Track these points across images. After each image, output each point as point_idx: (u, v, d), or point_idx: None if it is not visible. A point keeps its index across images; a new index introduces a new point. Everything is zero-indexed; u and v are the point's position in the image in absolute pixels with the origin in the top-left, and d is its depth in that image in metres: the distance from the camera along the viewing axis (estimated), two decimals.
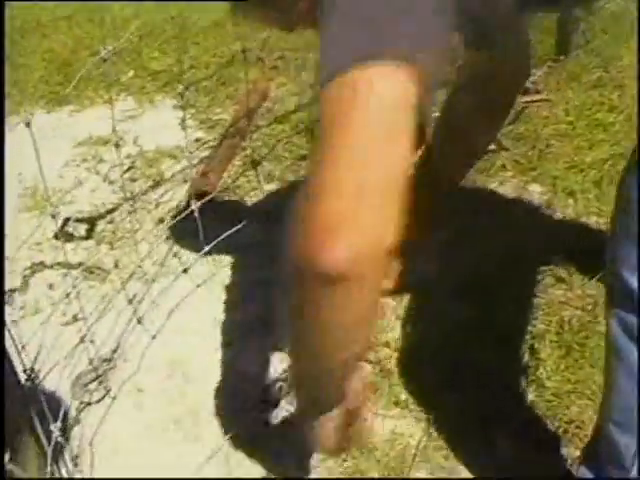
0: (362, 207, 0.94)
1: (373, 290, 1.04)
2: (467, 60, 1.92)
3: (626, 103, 2.69)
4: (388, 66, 0.93)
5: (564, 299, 2.02)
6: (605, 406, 1.35)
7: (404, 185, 0.96)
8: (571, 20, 2.70)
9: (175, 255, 2.23)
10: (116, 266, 2.20)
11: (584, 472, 1.41)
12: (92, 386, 1.86)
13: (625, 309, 1.22)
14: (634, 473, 1.28)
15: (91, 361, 1.88)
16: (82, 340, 1.83)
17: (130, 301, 2.07)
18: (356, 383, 1.33)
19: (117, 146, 2.02)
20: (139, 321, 2.01)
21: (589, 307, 1.99)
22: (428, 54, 0.97)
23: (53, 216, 1.74)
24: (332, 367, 1.20)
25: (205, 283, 2.14)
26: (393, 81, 0.94)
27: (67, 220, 2.35)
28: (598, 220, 2.22)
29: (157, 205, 2.40)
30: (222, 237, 2.14)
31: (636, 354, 1.22)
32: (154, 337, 1.99)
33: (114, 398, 1.86)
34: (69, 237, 2.32)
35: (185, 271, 2.15)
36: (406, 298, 2.04)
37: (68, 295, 1.90)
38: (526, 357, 1.88)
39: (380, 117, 0.95)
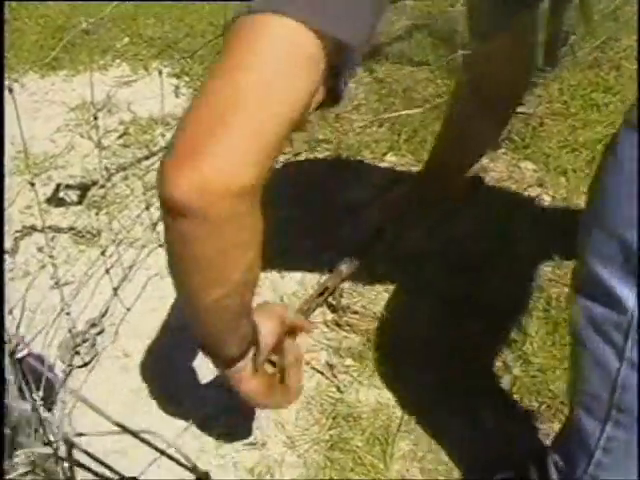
0: (222, 139, 0.91)
1: (235, 228, 1.02)
2: (469, 59, 1.93)
3: (622, 84, 2.68)
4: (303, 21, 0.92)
5: (552, 276, 2.02)
6: (572, 390, 1.35)
7: (284, 136, 0.95)
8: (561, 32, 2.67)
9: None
10: (106, 231, 2.19)
11: (555, 457, 1.42)
12: (79, 350, 1.86)
13: (591, 299, 1.19)
14: (599, 457, 1.28)
15: (74, 327, 1.88)
16: (64, 307, 1.82)
17: (122, 266, 2.07)
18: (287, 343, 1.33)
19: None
20: (115, 292, 2.01)
21: None
22: (350, 29, 0.96)
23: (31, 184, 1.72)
24: (210, 307, 1.17)
25: None
26: (301, 34, 0.92)
27: (59, 186, 2.34)
28: None
29: (148, 170, 2.39)
30: None
31: (602, 345, 1.19)
32: (138, 302, 2.00)
33: (96, 355, 1.86)
34: (61, 202, 2.31)
35: None
36: (395, 272, 2.05)
37: (53, 257, 1.89)
38: (513, 333, 1.89)
39: (278, 60, 0.93)
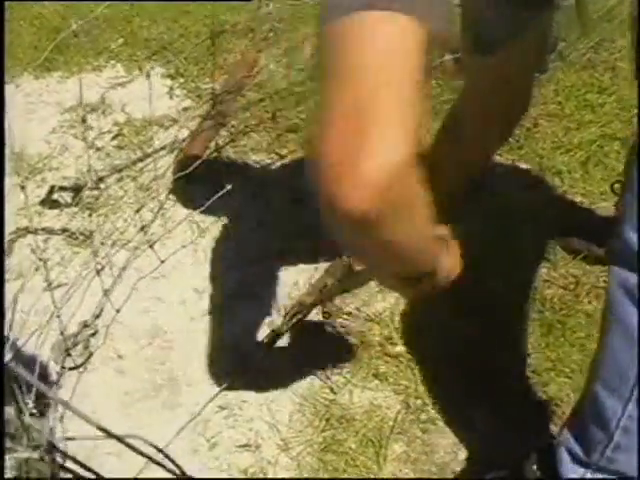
0: (372, 138, 0.89)
1: (412, 202, 0.99)
2: (471, 68, 1.90)
3: (617, 84, 2.68)
4: (395, 14, 0.91)
5: (547, 277, 2.02)
6: (595, 365, 1.35)
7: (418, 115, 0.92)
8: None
9: (159, 222, 2.22)
10: (100, 232, 2.19)
11: (566, 435, 1.41)
12: (73, 351, 1.86)
13: (626, 267, 1.21)
14: (617, 439, 1.29)
15: (65, 329, 1.88)
16: (55, 309, 1.82)
17: (114, 268, 2.07)
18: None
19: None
20: (105, 294, 2.01)
21: (571, 286, 2.00)
22: (432, 16, 0.95)
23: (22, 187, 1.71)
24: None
25: (188, 250, 2.14)
26: (400, 25, 0.91)
27: (53, 187, 2.34)
28: (583, 200, 2.22)
29: (142, 172, 2.39)
30: (206, 205, 2.14)
31: (635, 316, 1.21)
32: (130, 303, 2.00)
33: (90, 357, 1.86)
34: (54, 204, 2.31)
35: (167, 238, 2.16)
36: None
37: (45, 261, 1.89)
38: (507, 334, 1.89)
39: (398, 55, 0.92)
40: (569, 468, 1.39)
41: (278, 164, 2.27)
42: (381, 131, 0.89)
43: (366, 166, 0.88)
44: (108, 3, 2.78)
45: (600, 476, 1.35)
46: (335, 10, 0.93)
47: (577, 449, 1.38)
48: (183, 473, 0.76)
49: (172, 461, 0.77)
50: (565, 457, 1.40)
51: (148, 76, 1.89)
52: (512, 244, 2.10)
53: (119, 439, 0.76)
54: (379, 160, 0.88)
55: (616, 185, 2.02)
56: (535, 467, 1.48)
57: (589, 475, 1.36)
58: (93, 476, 0.86)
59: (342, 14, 0.92)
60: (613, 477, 1.34)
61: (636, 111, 1.40)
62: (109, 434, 0.74)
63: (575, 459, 1.38)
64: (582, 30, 2.55)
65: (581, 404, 1.41)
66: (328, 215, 0.95)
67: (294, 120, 2.54)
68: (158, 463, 0.81)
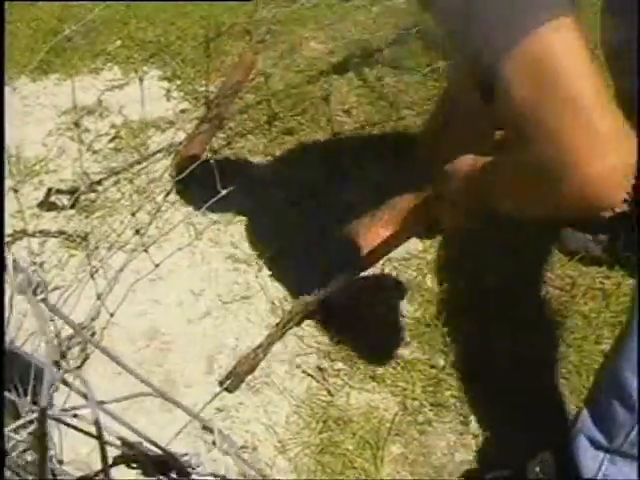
0: (606, 135, 1.05)
1: None
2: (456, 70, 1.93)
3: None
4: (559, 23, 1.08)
5: (543, 279, 2.03)
6: (620, 344, 1.37)
7: None
8: None
9: (156, 225, 2.23)
10: (97, 234, 2.19)
11: (585, 423, 1.42)
12: (69, 354, 1.86)
13: None
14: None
15: (59, 332, 1.87)
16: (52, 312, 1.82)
17: (111, 270, 2.07)
18: None
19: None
20: (98, 297, 2.01)
21: (568, 287, 2.00)
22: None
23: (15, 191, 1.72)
24: None
25: (185, 253, 2.14)
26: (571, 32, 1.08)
27: (50, 190, 2.34)
28: None
29: (139, 174, 2.39)
30: (203, 207, 2.14)
31: None
32: (128, 305, 1.99)
33: (85, 360, 1.86)
34: (52, 207, 2.31)
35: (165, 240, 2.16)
36: (383, 275, 2.05)
37: (42, 264, 1.88)
38: (502, 336, 1.89)
39: (577, 59, 1.08)
40: (589, 455, 1.39)
41: (275, 166, 2.26)
42: (614, 131, 1.05)
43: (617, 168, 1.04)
44: (105, 5, 2.79)
45: (621, 460, 1.35)
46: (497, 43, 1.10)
47: (598, 435, 1.39)
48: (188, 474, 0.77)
49: (176, 461, 0.77)
50: (584, 444, 1.41)
51: (141, 80, 1.89)
52: (509, 243, 2.11)
53: (107, 444, 0.76)
54: (623, 153, 1.06)
55: None
56: (538, 469, 1.48)
57: (608, 461, 1.37)
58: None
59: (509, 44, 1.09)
60: (634, 461, 1.35)
61: None
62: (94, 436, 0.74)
63: (596, 445, 1.39)
64: None
65: (600, 389, 1.42)
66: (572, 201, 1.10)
67: (291, 123, 2.54)
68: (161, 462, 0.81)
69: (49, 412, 0.86)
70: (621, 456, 1.35)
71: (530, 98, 1.09)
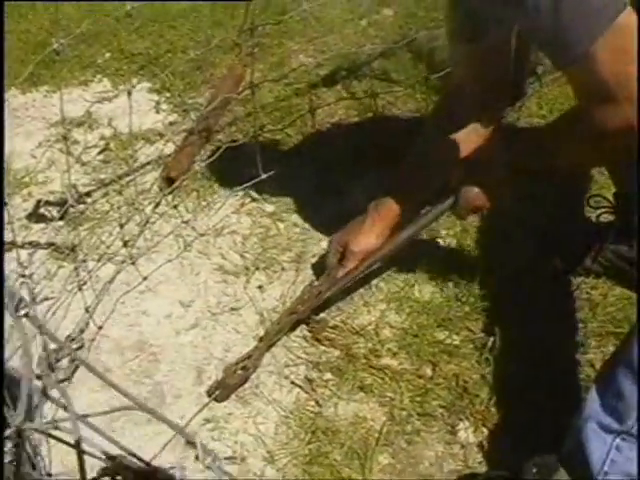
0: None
1: None
2: (458, 58, 1.98)
3: None
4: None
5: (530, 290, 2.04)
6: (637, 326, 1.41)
7: None
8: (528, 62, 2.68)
9: (145, 236, 2.23)
10: (86, 246, 2.20)
11: (594, 408, 1.43)
12: (58, 365, 1.86)
13: None
14: None
15: (47, 345, 1.87)
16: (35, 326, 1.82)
17: (100, 282, 2.07)
18: None
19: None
20: (86, 311, 2.01)
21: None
22: None
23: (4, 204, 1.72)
24: None
25: (174, 264, 2.15)
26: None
27: (39, 202, 2.34)
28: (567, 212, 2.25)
29: (128, 186, 2.40)
30: (192, 219, 2.16)
31: None
32: (117, 317, 2.00)
33: (74, 372, 1.86)
34: (41, 218, 2.31)
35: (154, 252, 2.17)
36: (373, 286, 2.06)
37: (30, 275, 1.89)
38: (491, 343, 1.90)
39: None
40: (599, 440, 1.40)
41: (263, 179, 2.27)
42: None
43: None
44: (94, 17, 2.80)
45: (632, 443, 1.37)
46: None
47: (608, 419, 1.40)
48: None
49: (160, 474, 0.77)
50: (593, 429, 1.42)
51: (130, 93, 1.90)
52: (496, 254, 2.13)
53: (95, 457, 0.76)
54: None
55: (592, 199, 2.06)
56: (535, 470, 1.49)
57: (618, 441, 1.38)
58: None
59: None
60: None
61: None
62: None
63: (605, 429, 1.40)
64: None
65: (612, 371, 1.43)
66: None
67: (280, 135, 2.56)
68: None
69: (33, 425, 0.87)
70: (632, 437, 1.37)
71: (618, 67, 1.45)
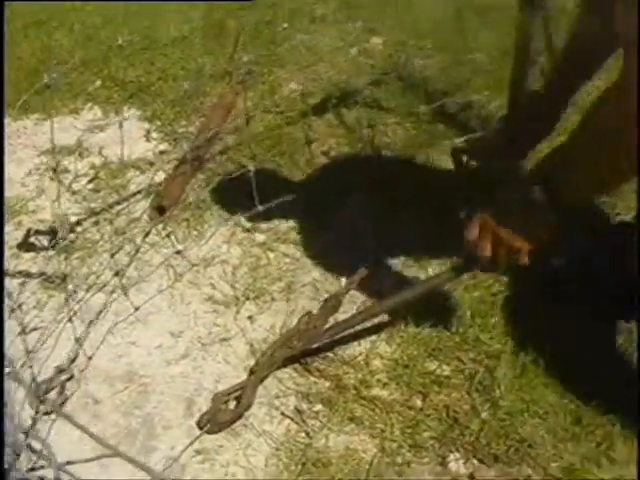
0: None
1: None
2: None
3: None
4: None
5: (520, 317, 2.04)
6: None
7: None
8: None
9: (135, 266, 2.23)
10: (76, 276, 2.20)
11: None
12: (47, 397, 1.86)
13: None
14: None
15: (38, 375, 1.87)
16: (28, 352, 1.82)
17: (90, 312, 2.07)
18: None
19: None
20: (77, 341, 2.01)
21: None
22: None
23: None
24: None
25: (164, 295, 2.15)
26: None
27: (29, 231, 2.34)
28: None
29: (118, 215, 2.40)
30: (182, 248, 2.16)
31: None
32: (106, 347, 2.00)
33: (65, 402, 1.86)
34: (31, 248, 2.31)
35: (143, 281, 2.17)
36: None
37: (20, 305, 1.90)
38: (480, 375, 1.90)
39: None
40: None
41: (254, 208, 2.27)
42: None
43: None
44: (85, 45, 2.81)
45: None
46: None
47: None
48: None
49: None
50: None
51: (121, 125, 1.91)
52: (487, 285, 2.13)
53: None
54: None
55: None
56: None
57: None
58: None
59: None
60: None
61: None
62: None
63: None
64: None
65: None
66: None
67: (271, 164, 2.56)
68: None
69: (16, 474, 0.87)
70: None
71: None
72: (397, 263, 2.20)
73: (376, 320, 2.03)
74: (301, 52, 3.17)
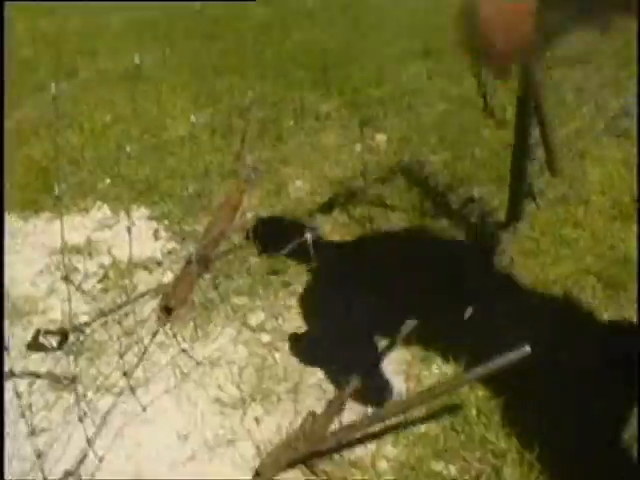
0: None
1: None
2: None
3: (591, 218, 2.76)
4: None
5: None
6: None
7: None
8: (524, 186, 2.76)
9: (143, 366, 2.25)
10: (85, 377, 2.22)
11: None
12: None
13: None
14: None
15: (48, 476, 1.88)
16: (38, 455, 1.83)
17: (98, 413, 2.09)
18: None
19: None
20: (88, 443, 2.02)
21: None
22: None
23: None
24: None
25: (171, 395, 2.17)
26: None
27: (39, 331, 2.37)
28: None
29: (127, 316, 2.43)
30: (189, 348, 2.18)
31: None
32: (114, 449, 2.01)
33: None
34: (41, 348, 2.34)
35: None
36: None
37: (29, 406, 1.91)
38: (486, 475, 1.90)
39: None
40: None
41: (261, 307, 2.31)
42: None
43: None
44: (95, 144, 2.87)
45: None
46: None
47: None
48: None
49: None
50: None
51: (129, 230, 1.95)
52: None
53: None
54: None
55: None
56: None
57: None
58: None
59: None
60: None
61: None
62: None
63: None
64: (552, 171, 2.65)
65: None
66: None
67: (278, 264, 2.60)
68: None
69: None
70: None
71: None
72: (400, 363, 2.22)
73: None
74: (306, 150, 3.23)
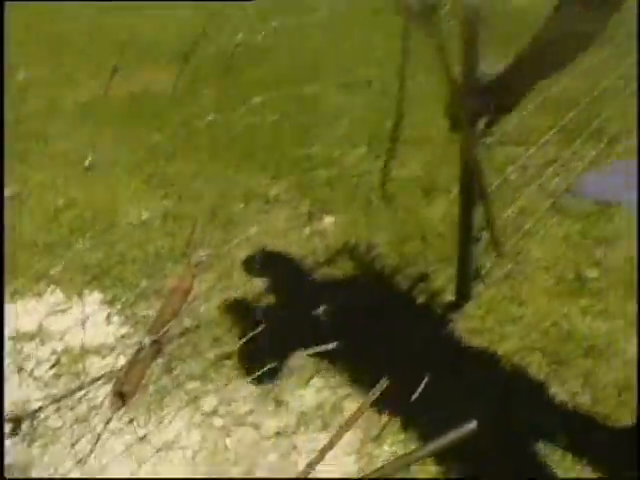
0: None
1: None
2: None
3: (535, 296, 2.83)
4: None
5: None
6: None
7: None
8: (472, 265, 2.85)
9: (96, 454, 2.26)
10: (38, 465, 2.22)
11: None
12: None
13: None
14: None
15: None
16: None
17: None
18: None
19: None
20: None
21: None
22: None
23: None
24: None
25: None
26: None
27: None
28: None
29: (79, 402, 2.44)
30: (143, 435, 2.19)
31: None
32: None
33: None
34: None
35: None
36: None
37: None
38: None
39: None
40: None
41: (212, 392, 2.33)
42: None
43: None
44: (49, 228, 2.86)
45: None
46: None
47: None
48: None
49: None
50: None
51: (83, 322, 1.98)
52: None
53: None
54: None
55: None
56: None
57: None
58: None
59: None
60: None
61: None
62: None
63: None
64: (497, 251, 2.73)
65: None
66: None
67: (228, 347, 2.64)
68: None
69: None
70: None
71: None
72: (352, 443, 2.25)
73: None
74: (257, 233, 3.28)
